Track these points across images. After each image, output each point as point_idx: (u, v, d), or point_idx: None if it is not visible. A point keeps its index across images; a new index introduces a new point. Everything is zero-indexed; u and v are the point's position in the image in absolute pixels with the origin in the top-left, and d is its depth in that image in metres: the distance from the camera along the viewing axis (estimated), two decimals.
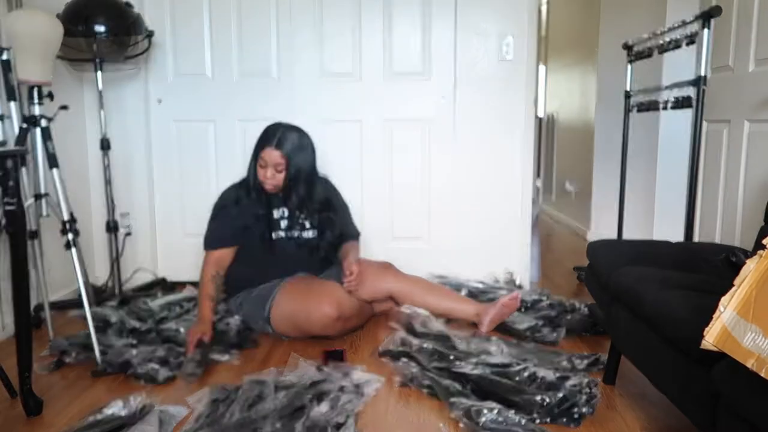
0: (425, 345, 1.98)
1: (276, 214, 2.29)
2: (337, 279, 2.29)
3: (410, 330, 2.16)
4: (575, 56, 4.69)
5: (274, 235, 2.28)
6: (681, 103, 2.43)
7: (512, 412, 1.55)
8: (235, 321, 2.20)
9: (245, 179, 2.31)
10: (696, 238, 2.50)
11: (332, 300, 2.12)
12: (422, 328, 2.14)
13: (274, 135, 2.23)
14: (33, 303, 2.11)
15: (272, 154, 2.20)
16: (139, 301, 2.50)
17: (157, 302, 2.49)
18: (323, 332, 2.16)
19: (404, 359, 1.93)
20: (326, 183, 2.43)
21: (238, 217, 2.26)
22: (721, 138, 2.47)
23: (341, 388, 1.71)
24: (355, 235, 2.49)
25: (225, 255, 2.25)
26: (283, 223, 2.30)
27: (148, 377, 1.84)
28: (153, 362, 1.90)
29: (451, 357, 1.90)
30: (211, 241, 2.26)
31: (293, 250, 2.31)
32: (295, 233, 2.32)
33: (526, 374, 1.73)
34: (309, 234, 2.34)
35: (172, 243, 3.05)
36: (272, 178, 2.22)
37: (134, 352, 1.97)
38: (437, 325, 2.16)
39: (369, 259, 2.47)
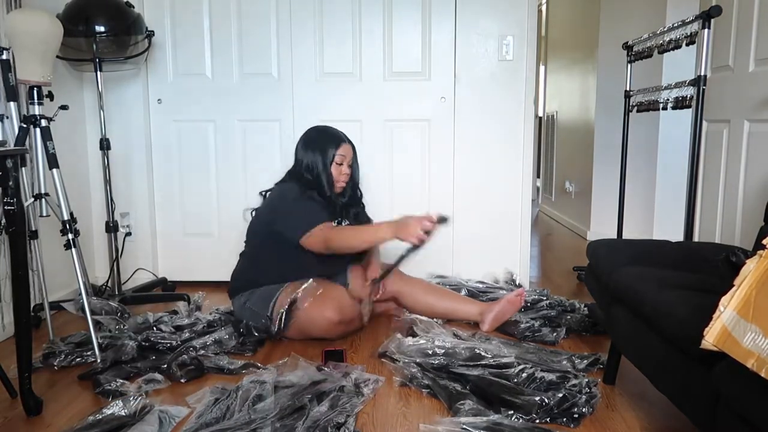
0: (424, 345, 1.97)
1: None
2: (344, 283, 2.30)
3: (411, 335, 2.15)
4: (575, 56, 4.69)
5: None
6: (681, 103, 2.43)
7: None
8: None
9: (300, 184, 2.23)
10: (696, 238, 2.50)
11: (334, 304, 2.13)
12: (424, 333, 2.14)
13: (340, 132, 2.30)
14: (33, 303, 2.12)
15: (349, 149, 2.29)
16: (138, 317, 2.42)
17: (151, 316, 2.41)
18: (324, 335, 2.16)
19: (405, 359, 1.93)
20: None
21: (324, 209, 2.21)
22: (721, 138, 2.47)
23: (341, 388, 1.71)
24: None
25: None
26: None
27: (148, 381, 1.83)
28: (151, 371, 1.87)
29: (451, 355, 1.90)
30: (313, 222, 2.13)
31: (342, 259, 2.31)
32: None
33: (525, 374, 1.73)
34: None
35: (172, 243, 3.05)
36: (347, 173, 2.28)
37: (132, 348, 1.97)
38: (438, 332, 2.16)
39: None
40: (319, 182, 2.24)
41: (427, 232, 1.94)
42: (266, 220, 2.26)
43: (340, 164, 2.26)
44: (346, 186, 2.33)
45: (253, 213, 2.34)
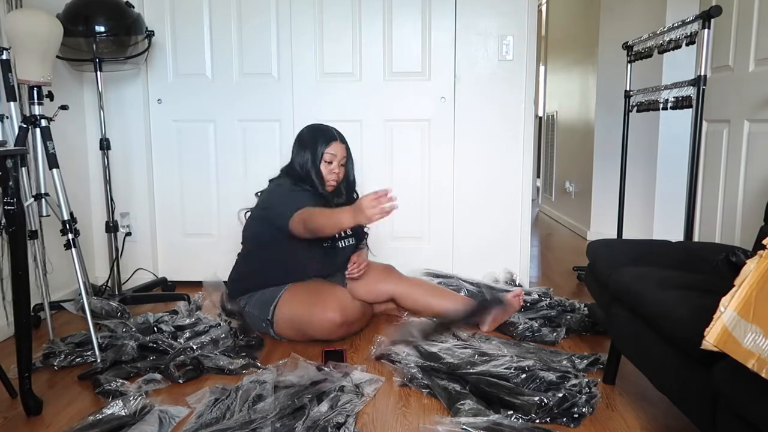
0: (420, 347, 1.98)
1: None
2: (342, 282, 2.30)
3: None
4: (575, 56, 4.69)
5: (340, 244, 2.29)
6: (681, 103, 2.43)
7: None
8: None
9: (292, 178, 2.24)
10: (696, 238, 2.50)
11: (337, 306, 2.12)
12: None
13: (331, 130, 2.27)
14: (33, 303, 2.11)
15: (341, 148, 2.25)
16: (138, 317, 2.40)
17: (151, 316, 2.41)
18: (327, 337, 2.15)
19: (406, 351, 1.92)
20: None
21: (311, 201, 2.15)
22: (721, 138, 2.47)
23: (341, 388, 1.71)
24: (364, 235, 2.49)
25: None
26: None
27: (148, 380, 1.83)
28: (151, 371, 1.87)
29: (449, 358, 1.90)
30: (300, 205, 2.06)
31: (341, 259, 2.31)
32: (345, 242, 2.32)
33: (525, 375, 1.73)
34: (351, 240, 2.35)
35: (172, 243, 3.05)
36: (339, 172, 2.25)
37: (132, 349, 1.97)
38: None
39: (371, 261, 2.47)
40: (309, 179, 2.22)
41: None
42: (260, 216, 2.24)
43: (330, 162, 2.23)
44: (339, 186, 2.31)
45: (248, 214, 2.33)
